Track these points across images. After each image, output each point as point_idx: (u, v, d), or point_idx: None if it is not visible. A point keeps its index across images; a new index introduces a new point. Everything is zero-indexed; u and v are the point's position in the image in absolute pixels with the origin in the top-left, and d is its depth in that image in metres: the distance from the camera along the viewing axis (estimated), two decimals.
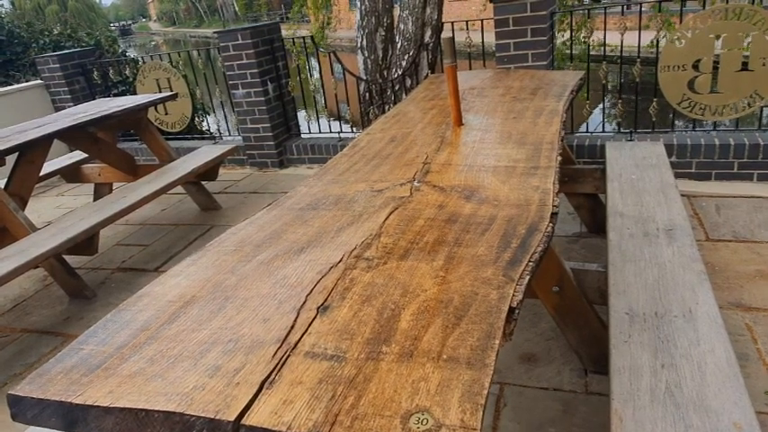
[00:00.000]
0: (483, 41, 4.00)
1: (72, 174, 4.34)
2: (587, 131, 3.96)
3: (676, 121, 3.72)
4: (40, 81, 5.65)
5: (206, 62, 5.30)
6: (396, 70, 4.63)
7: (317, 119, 5.07)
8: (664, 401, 1.34)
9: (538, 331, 2.39)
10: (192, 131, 5.65)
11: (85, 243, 3.07)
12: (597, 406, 1.96)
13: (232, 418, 0.80)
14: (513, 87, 2.78)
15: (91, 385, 0.93)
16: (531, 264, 1.14)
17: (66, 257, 3.19)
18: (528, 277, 1.09)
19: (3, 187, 3.19)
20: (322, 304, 1.07)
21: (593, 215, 3.02)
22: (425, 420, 0.76)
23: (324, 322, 1.01)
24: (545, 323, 2.39)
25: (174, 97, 4.17)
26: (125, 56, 7.38)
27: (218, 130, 5.70)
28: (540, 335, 2.37)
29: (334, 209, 1.55)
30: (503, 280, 1.09)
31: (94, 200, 4.29)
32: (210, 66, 5.30)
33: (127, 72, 5.81)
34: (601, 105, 4.19)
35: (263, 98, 4.72)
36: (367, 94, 4.88)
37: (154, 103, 3.87)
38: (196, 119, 5.54)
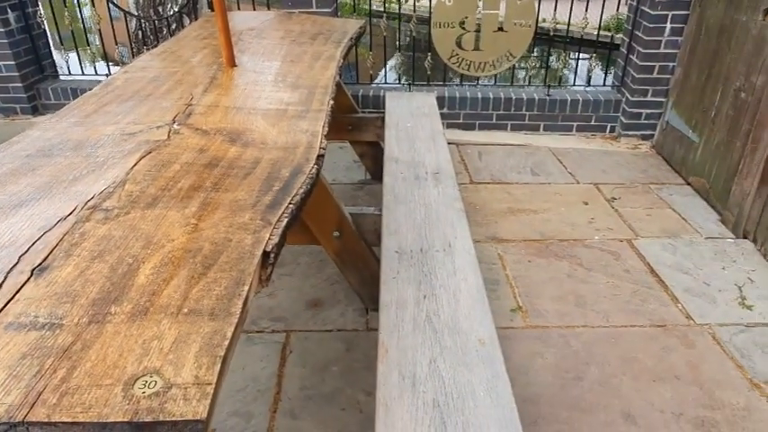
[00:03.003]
0: None
1: None
2: (371, 83, 4.08)
3: (451, 76, 4.03)
4: None
5: None
6: (171, 6, 4.16)
7: (79, 58, 4.35)
8: (424, 328, 1.45)
9: (323, 277, 2.44)
10: None
11: None
12: (376, 341, 2.08)
13: None
14: (294, 31, 2.69)
15: None
16: (291, 206, 1.10)
17: None
18: (287, 220, 1.05)
19: None
20: (39, 265, 0.89)
21: (376, 162, 3.14)
22: (153, 383, 0.67)
23: (39, 286, 0.84)
24: (330, 269, 2.44)
25: None
26: None
27: None
28: (326, 280, 2.42)
29: (73, 155, 1.32)
30: (260, 224, 1.03)
31: None
32: None
33: None
34: (387, 59, 4.33)
35: (2, 29, 3.86)
36: (139, 33, 4.32)
37: None
38: None
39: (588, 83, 4.05)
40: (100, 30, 4.20)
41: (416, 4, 3.88)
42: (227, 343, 0.75)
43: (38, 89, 4.17)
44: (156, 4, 4.28)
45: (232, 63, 2.02)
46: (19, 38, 4.00)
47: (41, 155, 1.32)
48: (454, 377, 1.29)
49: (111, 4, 4.11)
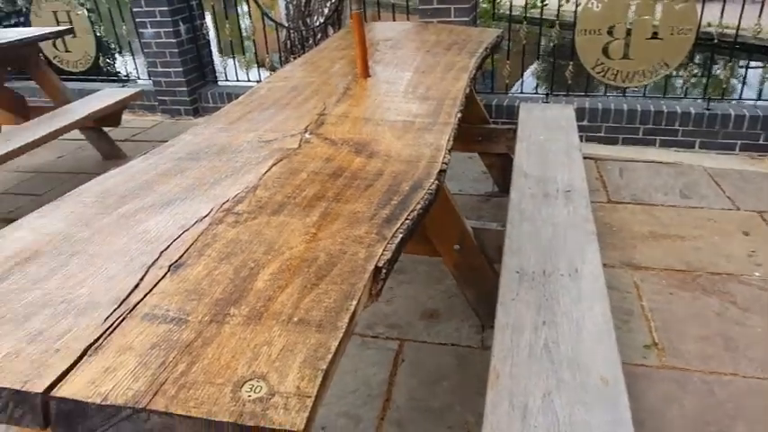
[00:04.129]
0: None
1: None
2: (506, 92, 3.97)
3: (596, 85, 3.79)
4: None
5: None
6: (318, 18, 4.42)
7: (235, 65, 4.80)
8: (540, 358, 1.36)
9: (442, 288, 2.41)
10: (99, 73, 5.20)
11: None
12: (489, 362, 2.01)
13: (41, 390, 0.71)
14: (429, 41, 2.70)
15: None
16: (407, 222, 1.10)
17: None
18: (401, 236, 1.05)
19: None
20: (175, 261, 0.98)
21: (505, 175, 3.04)
22: (259, 388, 0.70)
23: (173, 281, 0.92)
24: (449, 281, 2.41)
25: (68, 32, 3.79)
26: None
27: (127, 73, 5.28)
28: (444, 292, 2.39)
29: (216, 159, 1.44)
30: (374, 238, 1.03)
31: None
32: (117, 1, 4.84)
33: (20, 2, 5.21)
34: (525, 66, 4.20)
35: (174, 39, 4.38)
36: (288, 42, 4.64)
37: (44, 38, 3.49)
38: (105, 59, 5.08)
39: (759, 96, 3.56)
40: (254, 40, 4.59)
41: (560, 9, 3.70)
42: (330, 357, 0.75)
43: (199, 93, 4.66)
44: (304, 15, 4.57)
45: (366, 74, 2.08)
46: (187, 47, 4.51)
47: (190, 158, 1.46)
48: (570, 415, 1.20)
49: (265, 17, 4.47)
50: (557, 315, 1.50)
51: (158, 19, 4.30)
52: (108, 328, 0.81)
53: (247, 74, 4.67)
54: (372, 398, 1.89)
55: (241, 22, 5.20)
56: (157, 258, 0.99)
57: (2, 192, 3.57)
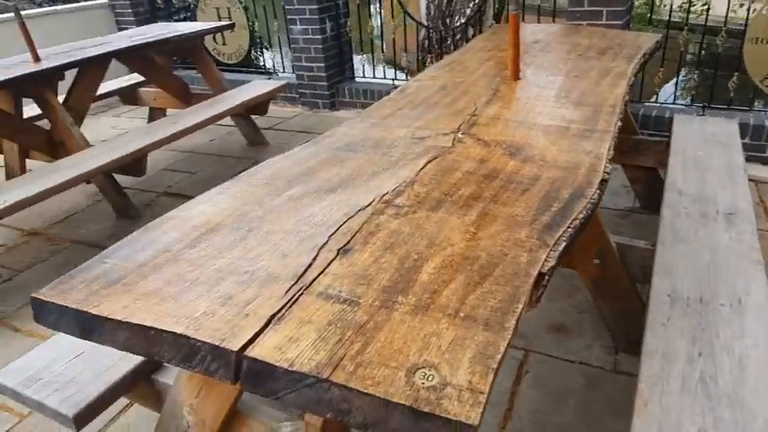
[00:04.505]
0: None
1: (129, 96, 4.42)
2: (656, 101, 3.70)
3: (756, 101, 3.41)
4: (105, 0, 5.72)
5: None
6: (459, 18, 4.42)
7: (373, 63, 4.95)
8: (695, 391, 1.26)
9: (572, 303, 2.31)
10: (249, 65, 5.63)
11: (134, 164, 3.14)
12: (624, 386, 1.90)
13: (236, 348, 0.78)
14: (581, 45, 2.59)
15: (108, 298, 0.94)
16: (570, 230, 1.06)
17: (117, 177, 3.28)
18: (564, 244, 1.02)
19: (61, 102, 3.28)
20: (343, 246, 1.03)
21: (650, 190, 2.85)
22: (431, 377, 0.72)
23: (343, 264, 0.98)
24: (581, 295, 2.31)
25: (230, 27, 4.14)
26: None
27: (273, 65, 5.66)
28: (575, 307, 2.30)
29: (372, 152, 1.49)
30: (536, 243, 1.02)
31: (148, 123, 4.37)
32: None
33: None
34: (674, 75, 3.89)
35: (319, 36, 4.62)
36: (426, 42, 4.70)
37: (210, 32, 3.85)
38: (254, 53, 5.49)
39: None
40: (394, 38, 4.70)
41: (729, 15, 3.37)
42: (499, 357, 0.76)
43: (337, 88, 4.87)
44: (445, 16, 4.59)
45: (517, 76, 2.04)
46: (330, 44, 4.73)
47: (347, 149, 1.53)
48: None
49: (406, 15, 4.55)
50: (715, 348, 1.37)
51: (307, 16, 4.56)
52: (289, 301, 0.88)
53: (384, 71, 4.80)
54: (493, 405, 1.86)
55: (375, 21, 5.35)
56: (327, 241, 1.05)
57: (163, 168, 4.00)
